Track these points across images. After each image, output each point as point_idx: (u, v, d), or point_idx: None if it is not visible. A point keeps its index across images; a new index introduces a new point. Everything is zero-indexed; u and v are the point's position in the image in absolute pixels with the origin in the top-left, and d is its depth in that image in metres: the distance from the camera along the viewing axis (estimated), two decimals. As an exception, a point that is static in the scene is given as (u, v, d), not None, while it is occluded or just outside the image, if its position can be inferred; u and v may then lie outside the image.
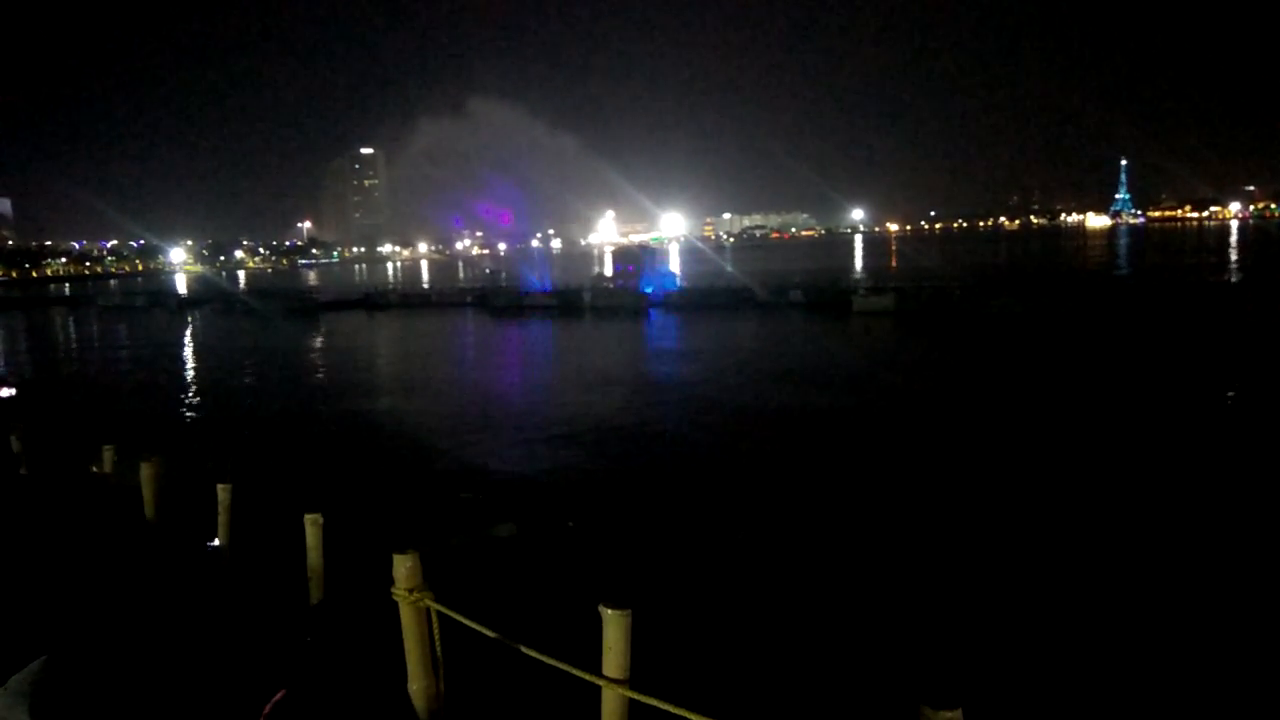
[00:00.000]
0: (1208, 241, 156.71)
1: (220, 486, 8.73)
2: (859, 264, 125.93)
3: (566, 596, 8.13)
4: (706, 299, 64.24)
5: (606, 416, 25.38)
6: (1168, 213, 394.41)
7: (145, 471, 10.33)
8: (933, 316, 49.98)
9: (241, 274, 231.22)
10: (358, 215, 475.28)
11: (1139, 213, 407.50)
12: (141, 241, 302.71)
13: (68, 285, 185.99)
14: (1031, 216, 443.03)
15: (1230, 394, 25.86)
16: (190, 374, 43.62)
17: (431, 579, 5.45)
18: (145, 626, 6.10)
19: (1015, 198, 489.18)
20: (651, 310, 62.06)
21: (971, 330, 43.83)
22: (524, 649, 4.91)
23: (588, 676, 4.48)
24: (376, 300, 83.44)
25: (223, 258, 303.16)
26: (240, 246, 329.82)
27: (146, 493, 10.11)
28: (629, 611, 4.35)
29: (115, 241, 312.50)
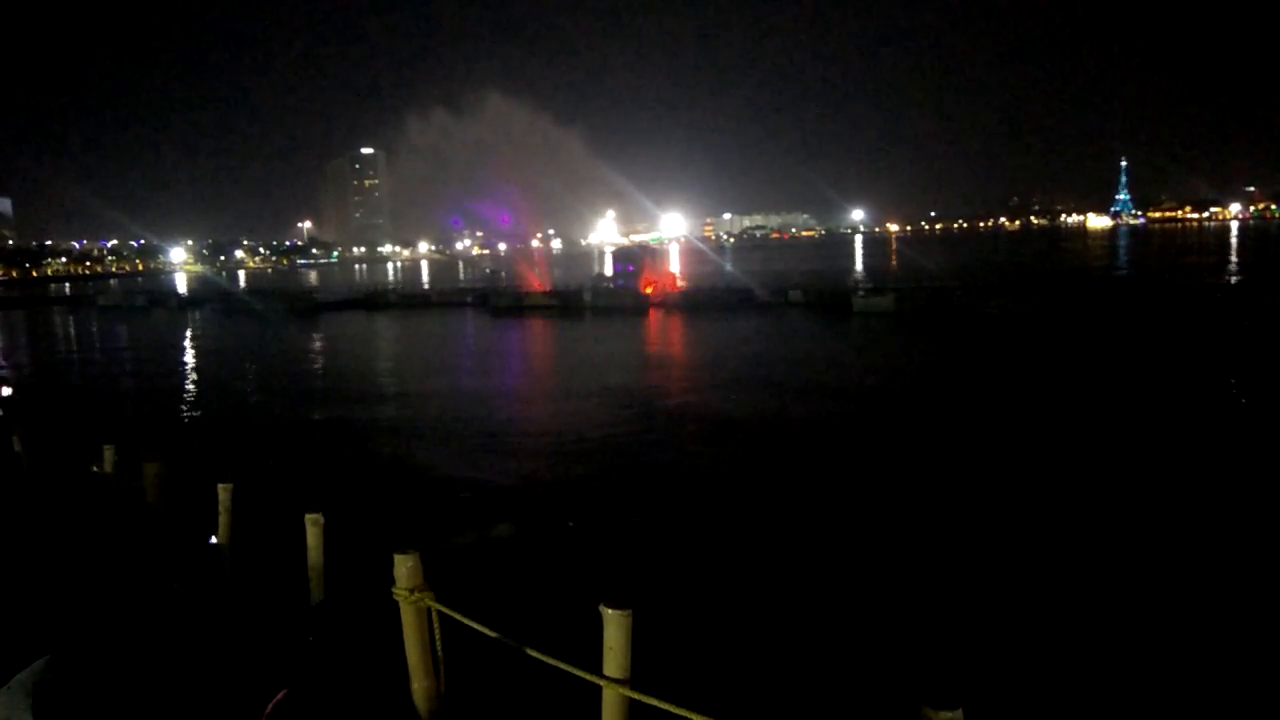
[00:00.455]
0: (1208, 242, 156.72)
1: (221, 486, 8.73)
2: (859, 264, 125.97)
3: (566, 596, 8.14)
4: (707, 299, 64.26)
5: (592, 427, 24.69)
6: (1168, 214, 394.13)
7: (147, 471, 10.34)
8: (933, 317, 49.99)
9: (242, 274, 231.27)
10: (358, 215, 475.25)
11: (1139, 214, 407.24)
12: (142, 241, 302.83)
13: (68, 285, 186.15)
14: (1032, 217, 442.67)
15: (1230, 393, 25.85)
16: (191, 374, 43.63)
17: (432, 579, 5.46)
18: (148, 626, 6.11)
19: (1015, 199, 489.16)
20: (651, 310, 62.09)
21: (971, 331, 43.85)
22: (525, 649, 4.92)
23: (588, 676, 4.48)
24: (376, 300, 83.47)
25: (223, 258, 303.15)
26: (240, 246, 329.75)
27: (148, 493, 10.12)
28: (630, 611, 4.35)
29: (115, 241, 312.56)
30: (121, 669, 4.26)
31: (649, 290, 66.43)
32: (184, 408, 32.63)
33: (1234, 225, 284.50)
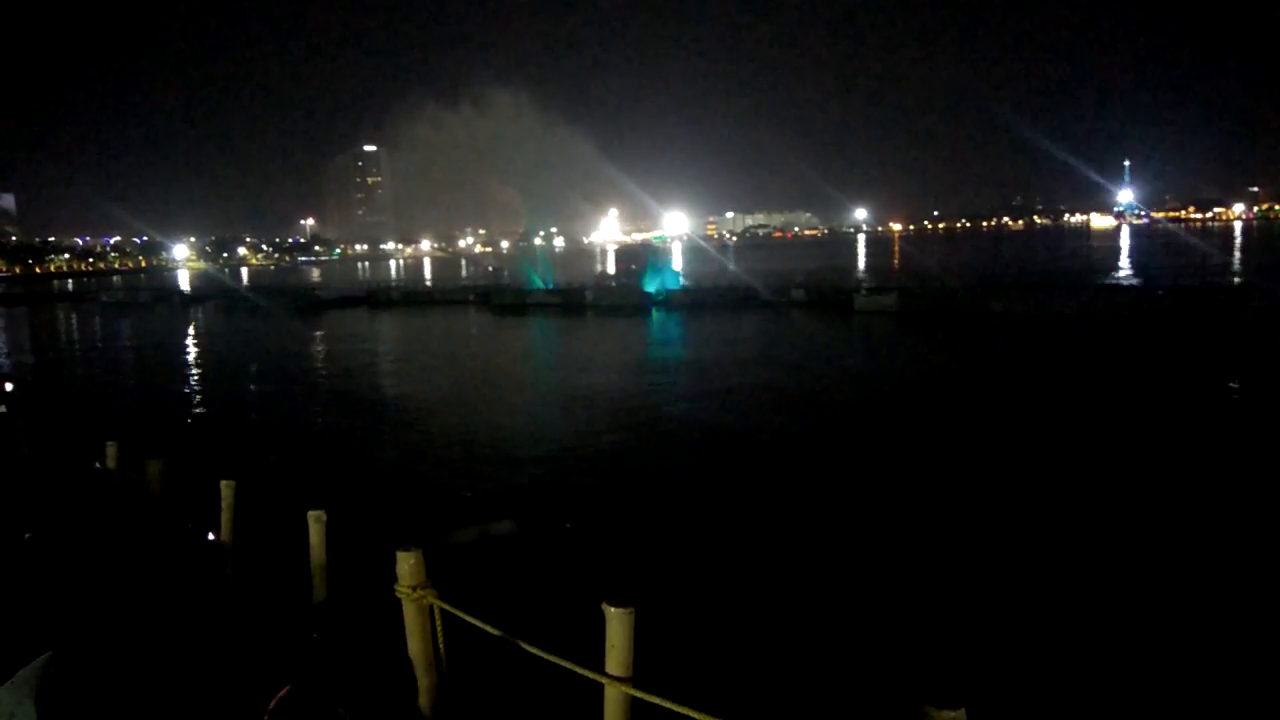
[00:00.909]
0: (1212, 242, 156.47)
1: (224, 483, 8.74)
2: (862, 263, 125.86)
3: (568, 594, 8.15)
4: (709, 298, 64.21)
5: (587, 437, 24.38)
6: (1171, 214, 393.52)
7: (150, 468, 10.36)
8: (936, 316, 49.94)
9: (245, 271, 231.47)
10: (361, 212, 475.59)
11: (1142, 213, 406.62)
12: (145, 238, 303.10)
13: (71, 281, 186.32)
14: (1035, 217, 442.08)
15: (1233, 393, 25.83)
16: (194, 371, 43.69)
17: (434, 576, 5.47)
18: (151, 622, 6.12)
19: (1019, 198, 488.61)
20: (654, 309, 62.07)
21: (975, 331, 43.80)
22: (526, 646, 4.93)
23: (591, 674, 4.49)
24: (379, 298, 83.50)
25: (226, 254, 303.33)
26: (243, 243, 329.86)
27: (151, 489, 10.14)
28: (632, 609, 4.36)
29: (119, 238, 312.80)
30: (124, 665, 4.27)
31: (651, 289, 66.42)
32: (187, 405, 32.67)
33: (1238, 225, 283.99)
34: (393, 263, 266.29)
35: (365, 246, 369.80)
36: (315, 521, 7.60)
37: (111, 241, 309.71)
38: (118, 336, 65.95)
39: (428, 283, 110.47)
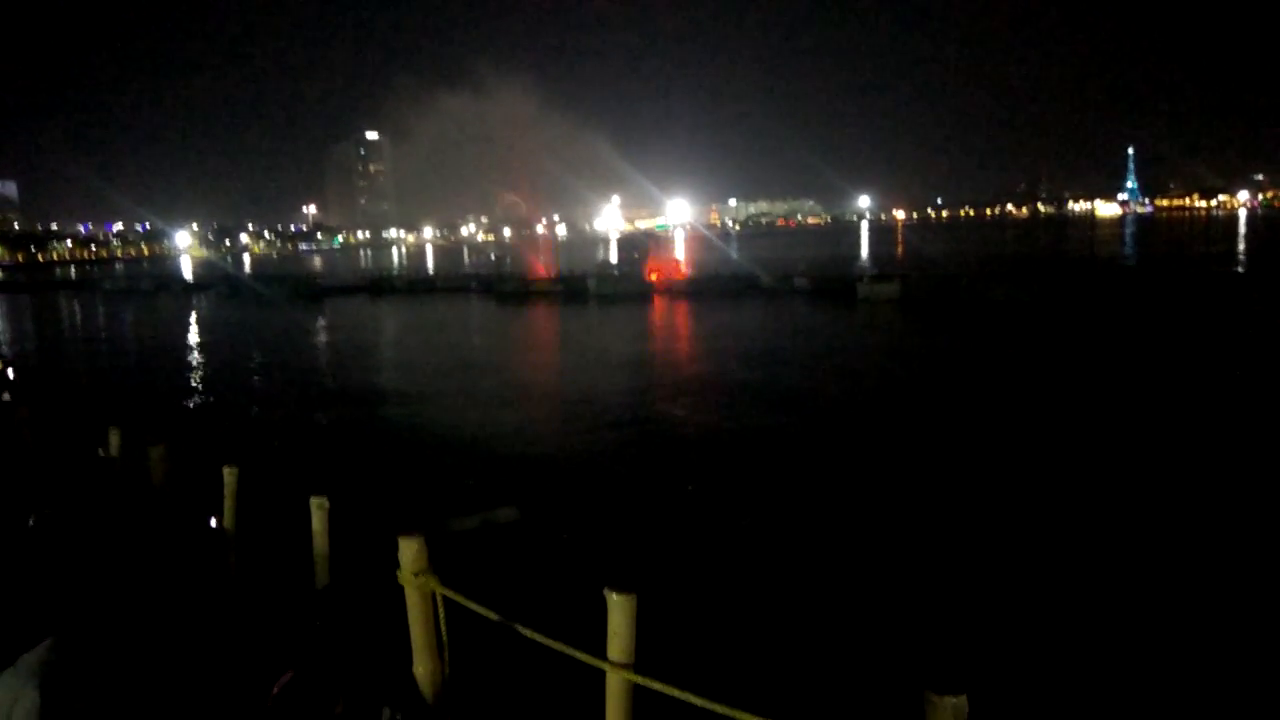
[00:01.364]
0: (1216, 230, 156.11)
1: (226, 470, 8.74)
2: (865, 251, 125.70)
3: (571, 580, 8.16)
4: (712, 286, 64.15)
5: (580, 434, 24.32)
6: (1175, 201, 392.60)
7: (152, 455, 10.36)
8: (938, 304, 49.89)
9: (247, 258, 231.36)
10: (363, 200, 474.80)
11: (1147, 201, 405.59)
12: (147, 225, 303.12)
13: (73, 269, 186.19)
14: (1039, 205, 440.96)
15: (1234, 382, 25.78)
16: (196, 358, 43.74)
17: (436, 563, 5.47)
18: (154, 608, 6.13)
19: (1022, 186, 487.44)
20: (656, 297, 62.03)
21: (977, 318, 43.73)
22: (528, 632, 4.93)
23: (592, 660, 4.49)
24: (381, 286, 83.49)
25: (228, 242, 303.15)
26: (246, 230, 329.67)
27: (153, 476, 10.14)
28: (634, 595, 4.35)
29: (121, 225, 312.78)
30: (127, 650, 4.27)
31: (654, 277, 66.35)
32: (189, 392, 32.72)
33: (1242, 213, 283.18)
34: (395, 250, 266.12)
35: (367, 234, 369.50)
36: (317, 508, 7.60)
37: (114, 229, 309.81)
38: (120, 324, 66.02)
39: (430, 271, 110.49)
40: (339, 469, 17.48)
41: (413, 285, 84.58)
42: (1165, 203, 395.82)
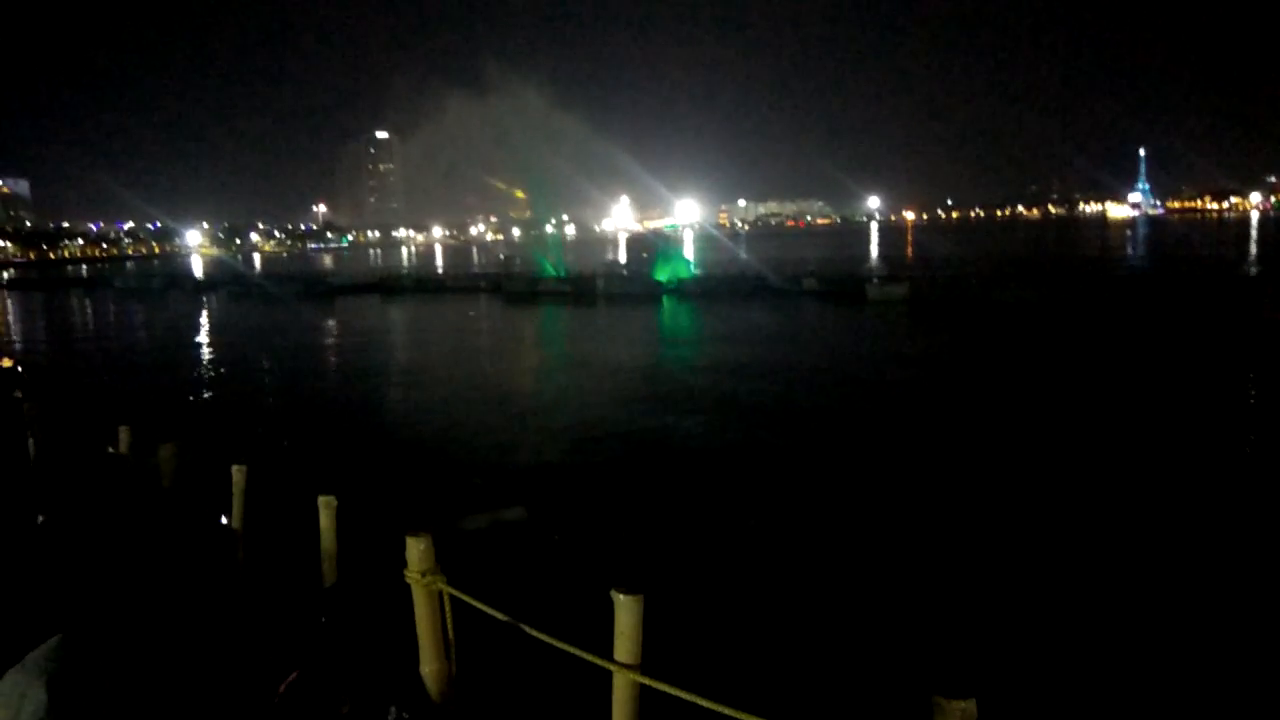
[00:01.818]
0: (1228, 233, 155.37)
1: (235, 468, 8.78)
2: (874, 252, 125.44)
3: (578, 580, 8.15)
4: (720, 287, 64.10)
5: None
6: (1187, 203, 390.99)
7: (162, 453, 10.40)
8: (948, 306, 49.76)
9: (257, 257, 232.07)
10: (373, 199, 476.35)
11: (1158, 203, 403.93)
12: (158, 224, 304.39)
13: (85, 267, 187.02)
14: (1050, 206, 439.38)
15: (1246, 387, 25.63)
16: (206, 356, 43.89)
17: (444, 562, 5.47)
18: (161, 606, 6.14)
19: (1033, 187, 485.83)
20: (665, 298, 62.01)
21: (987, 320, 43.60)
22: (535, 633, 4.92)
23: (599, 661, 4.48)
24: (390, 285, 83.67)
25: (239, 241, 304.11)
26: (256, 229, 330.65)
27: (163, 474, 10.19)
28: (641, 596, 4.35)
29: (132, 223, 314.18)
30: (135, 648, 4.27)
31: (662, 278, 66.35)
32: (199, 390, 32.83)
33: (1254, 215, 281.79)
34: (404, 250, 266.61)
35: (377, 234, 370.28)
36: (325, 507, 7.62)
37: (125, 227, 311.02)
38: (130, 322, 66.30)
39: (439, 270, 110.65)
40: (347, 468, 17.50)
41: (422, 284, 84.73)
42: (1177, 205, 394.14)
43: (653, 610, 4.39)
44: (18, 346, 45.82)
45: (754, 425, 22.57)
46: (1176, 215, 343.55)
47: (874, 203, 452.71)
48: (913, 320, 46.53)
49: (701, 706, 3.80)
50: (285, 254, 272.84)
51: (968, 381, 28.02)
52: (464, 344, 44.52)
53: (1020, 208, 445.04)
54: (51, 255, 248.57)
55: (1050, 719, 8.83)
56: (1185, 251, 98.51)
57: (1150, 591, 11.71)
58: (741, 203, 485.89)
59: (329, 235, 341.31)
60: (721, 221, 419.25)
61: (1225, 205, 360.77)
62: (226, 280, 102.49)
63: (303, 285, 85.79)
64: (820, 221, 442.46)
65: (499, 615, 5.16)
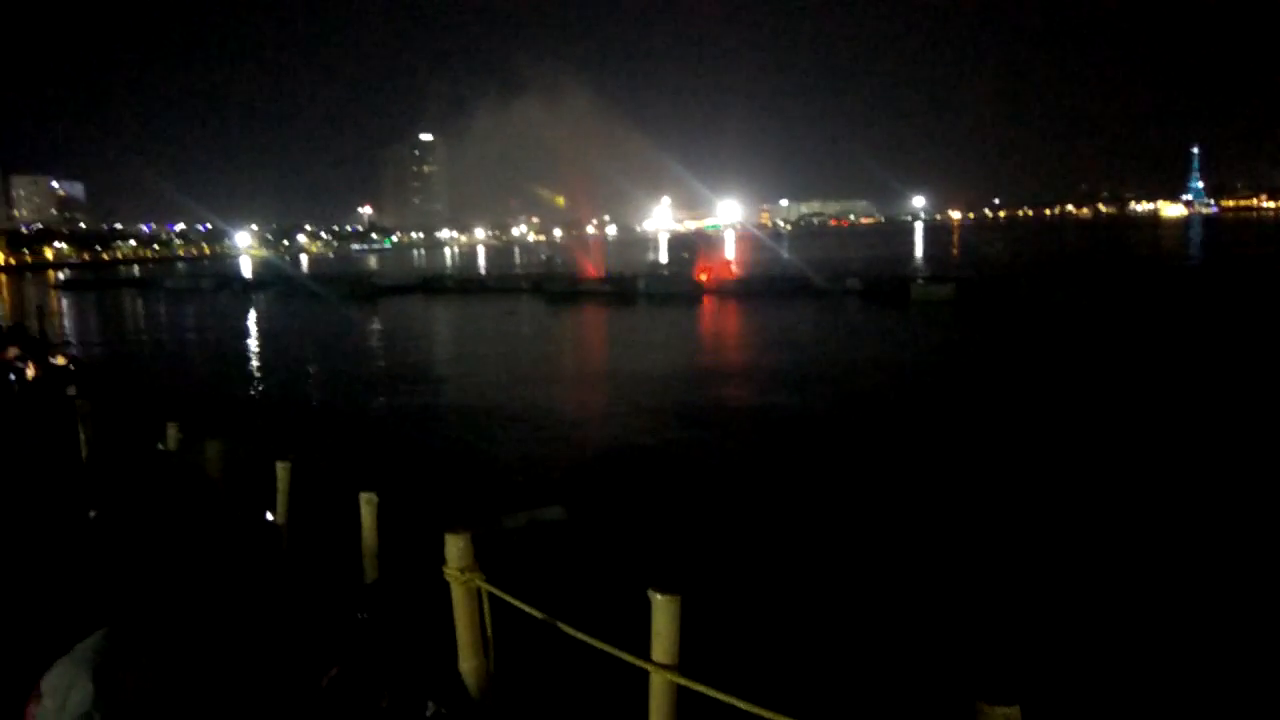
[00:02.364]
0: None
1: (279, 464, 8.90)
2: (919, 252, 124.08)
3: (616, 580, 8.14)
4: (762, 287, 63.76)
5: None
6: (1242, 202, 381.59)
7: (209, 449, 10.59)
8: (995, 307, 49.02)
9: (304, 258, 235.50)
10: (417, 201, 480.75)
11: (1211, 202, 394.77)
12: (209, 225, 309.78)
13: (137, 267, 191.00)
14: (1100, 205, 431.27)
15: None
16: (253, 355, 44.64)
17: (483, 560, 5.49)
18: (207, 599, 6.24)
19: (1083, 185, 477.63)
20: (706, 298, 61.82)
21: (1035, 322, 42.85)
22: (573, 631, 4.92)
23: (636, 661, 4.47)
24: (434, 285, 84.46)
25: (286, 242, 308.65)
26: (303, 231, 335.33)
27: (209, 469, 10.37)
28: (678, 597, 4.33)
29: (183, 225, 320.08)
30: (180, 640, 4.34)
31: (704, 278, 66.17)
32: (246, 388, 33.37)
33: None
34: (447, 251, 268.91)
35: (421, 234, 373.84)
36: (367, 504, 7.70)
37: (176, 229, 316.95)
38: (180, 322, 67.61)
39: (481, 270, 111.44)
40: (391, 465, 17.67)
41: (465, 285, 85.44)
42: (1231, 203, 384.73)
43: (690, 611, 4.37)
44: (72, 345, 46.91)
45: (784, 438, 22.44)
46: (1230, 214, 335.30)
47: (919, 202, 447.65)
48: (959, 321, 45.89)
49: (739, 708, 3.77)
50: (331, 254, 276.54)
51: (1016, 388, 27.58)
52: (503, 344, 44.77)
53: (1070, 207, 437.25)
54: (105, 256, 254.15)
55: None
56: (1243, 251, 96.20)
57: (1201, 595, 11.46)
58: (784, 202, 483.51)
59: (373, 236, 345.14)
60: (763, 221, 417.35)
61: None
62: (274, 281, 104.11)
63: (348, 286, 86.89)
64: (864, 221, 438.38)
65: (537, 613, 5.17)
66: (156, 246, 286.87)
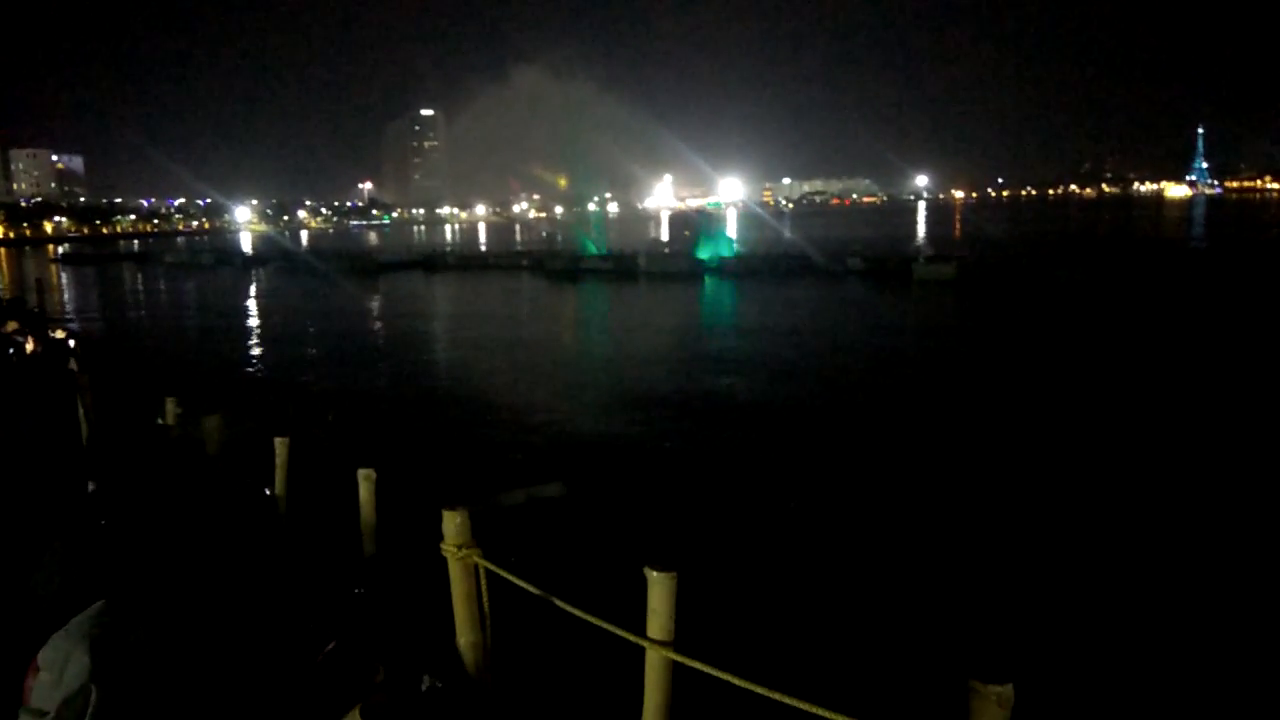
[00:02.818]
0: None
1: (278, 440, 8.90)
2: (921, 231, 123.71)
3: (614, 556, 8.17)
4: (763, 266, 63.58)
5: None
6: (1246, 183, 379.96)
7: (208, 424, 10.60)
8: (997, 286, 48.91)
9: (304, 234, 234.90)
10: (417, 177, 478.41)
11: (1215, 183, 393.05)
12: (208, 200, 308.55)
13: (136, 242, 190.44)
14: (1104, 185, 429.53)
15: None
16: (253, 331, 44.63)
17: (480, 536, 5.50)
18: (205, 573, 6.25)
19: (1087, 165, 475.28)
20: (707, 277, 61.67)
21: (1037, 302, 42.76)
22: (569, 608, 4.93)
23: (632, 637, 4.48)
24: (435, 262, 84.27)
25: (286, 217, 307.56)
26: (303, 206, 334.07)
27: (208, 445, 10.38)
28: (674, 574, 4.33)
29: (183, 200, 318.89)
30: (177, 613, 4.35)
31: (704, 256, 65.97)
32: (246, 363, 33.39)
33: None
34: (448, 227, 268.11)
35: (421, 211, 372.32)
36: (365, 480, 7.71)
37: (176, 203, 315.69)
38: (180, 297, 67.56)
39: (482, 247, 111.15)
40: (390, 441, 17.70)
41: (466, 262, 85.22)
42: (1235, 184, 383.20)
43: (686, 588, 4.38)
44: (71, 319, 46.91)
45: (778, 427, 22.45)
46: (1235, 195, 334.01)
47: (922, 181, 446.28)
48: (960, 301, 45.81)
49: (734, 685, 3.78)
50: (331, 230, 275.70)
51: (1019, 368, 27.57)
52: (502, 322, 44.74)
53: (1073, 187, 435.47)
54: (105, 230, 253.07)
55: (1089, 703, 8.71)
56: (1245, 232, 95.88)
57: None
58: (786, 180, 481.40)
59: (374, 212, 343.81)
60: (765, 199, 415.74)
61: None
62: (274, 256, 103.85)
63: (348, 262, 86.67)
64: (866, 200, 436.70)
65: (534, 590, 5.17)
66: (156, 221, 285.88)
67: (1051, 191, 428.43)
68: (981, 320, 39.11)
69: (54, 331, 22.21)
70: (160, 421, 11.56)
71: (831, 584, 11.30)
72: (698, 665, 4.06)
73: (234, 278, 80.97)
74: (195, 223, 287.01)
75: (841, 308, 44.08)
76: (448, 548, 5.45)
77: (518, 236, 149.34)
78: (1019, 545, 12.65)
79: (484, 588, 5.49)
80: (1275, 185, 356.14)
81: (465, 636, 5.57)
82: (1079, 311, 38.89)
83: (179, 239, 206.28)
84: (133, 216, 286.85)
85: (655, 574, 4.33)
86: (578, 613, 4.84)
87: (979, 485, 15.44)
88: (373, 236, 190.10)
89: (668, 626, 4.37)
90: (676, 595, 4.35)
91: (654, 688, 4.49)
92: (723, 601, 9.32)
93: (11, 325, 19.38)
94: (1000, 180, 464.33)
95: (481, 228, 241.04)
